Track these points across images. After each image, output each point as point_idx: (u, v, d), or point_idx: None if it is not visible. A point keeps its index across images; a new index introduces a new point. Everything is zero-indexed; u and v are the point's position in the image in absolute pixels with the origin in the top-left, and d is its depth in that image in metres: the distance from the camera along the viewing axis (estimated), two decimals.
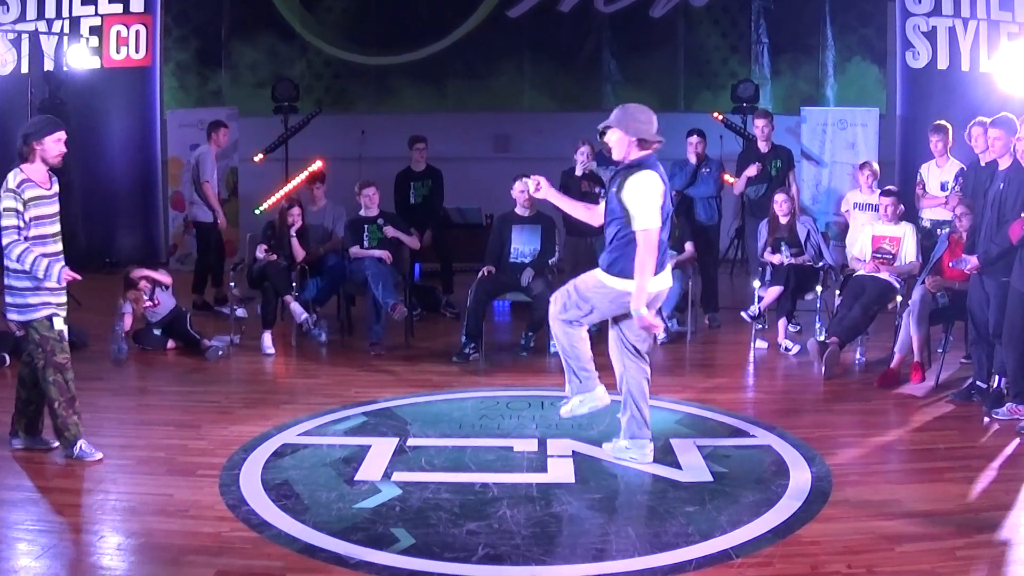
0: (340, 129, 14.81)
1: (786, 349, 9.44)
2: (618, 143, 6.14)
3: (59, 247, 6.34)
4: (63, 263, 6.29)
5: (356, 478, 6.01)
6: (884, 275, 8.93)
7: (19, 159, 6.19)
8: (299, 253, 9.90)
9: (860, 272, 9.09)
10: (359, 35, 15.98)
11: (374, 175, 10.67)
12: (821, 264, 9.51)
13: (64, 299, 6.41)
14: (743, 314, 9.62)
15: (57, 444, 6.51)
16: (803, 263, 9.46)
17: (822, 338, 8.79)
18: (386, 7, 15.94)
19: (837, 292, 9.38)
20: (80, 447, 6.33)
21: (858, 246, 9.34)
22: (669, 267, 6.25)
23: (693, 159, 10.57)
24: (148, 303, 9.45)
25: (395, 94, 16.10)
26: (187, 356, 9.40)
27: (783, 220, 9.66)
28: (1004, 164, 7.43)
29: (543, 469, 6.20)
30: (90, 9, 14.98)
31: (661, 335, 9.59)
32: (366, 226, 9.98)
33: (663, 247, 6.07)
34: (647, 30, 15.72)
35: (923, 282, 8.34)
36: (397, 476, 6.04)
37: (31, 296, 6.23)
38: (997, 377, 7.48)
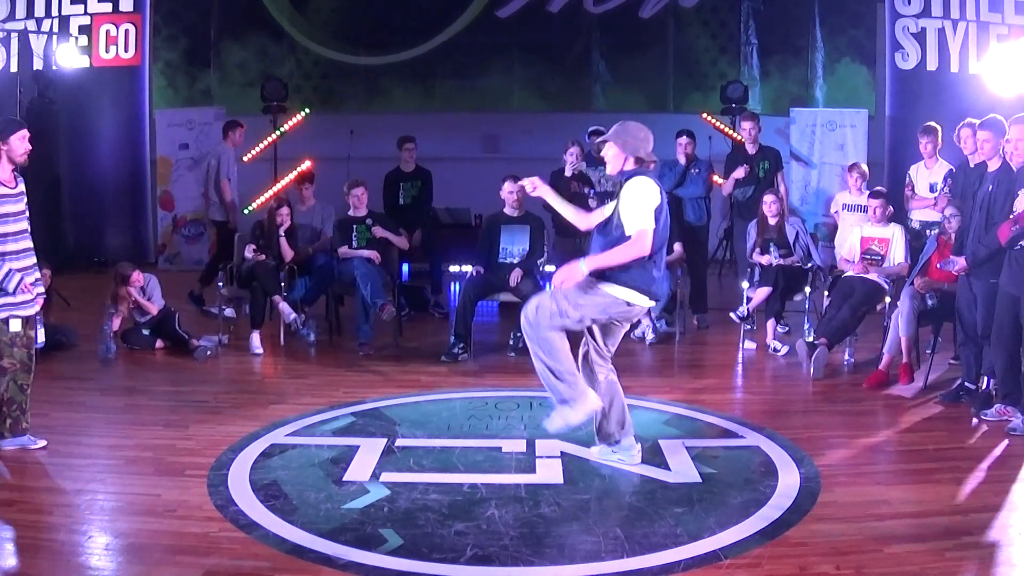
0: (329, 129, 14.78)
1: (775, 350, 9.44)
2: (614, 158, 6.10)
3: (23, 245, 6.35)
4: (35, 272, 6.31)
5: (344, 478, 6.00)
6: (873, 276, 8.95)
7: None
8: (288, 253, 9.88)
9: (849, 273, 9.10)
10: (348, 35, 15.97)
11: (363, 175, 10.65)
12: (810, 265, 9.52)
13: (29, 298, 6.36)
14: (732, 315, 9.63)
15: (45, 443, 6.53)
16: (792, 264, 9.47)
17: (811, 339, 8.80)
18: (375, 7, 15.95)
19: (826, 293, 9.39)
20: None
21: (847, 247, 9.36)
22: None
23: (682, 160, 10.57)
24: (148, 306, 9.43)
25: (384, 94, 16.09)
26: (175, 356, 9.38)
27: (772, 221, 9.67)
28: (993, 166, 7.43)
29: (531, 470, 6.19)
30: (79, 8, 15.01)
31: (650, 336, 9.60)
32: (355, 226, 9.97)
33: (658, 270, 6.00)
34: (636, 31, 15.73)
35: (912, 283, 8.36)
36: (385, 477, 6.02)
37: None
38: (986, 378, 7.49)
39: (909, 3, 14.04)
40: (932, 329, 8.63)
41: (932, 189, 9.61)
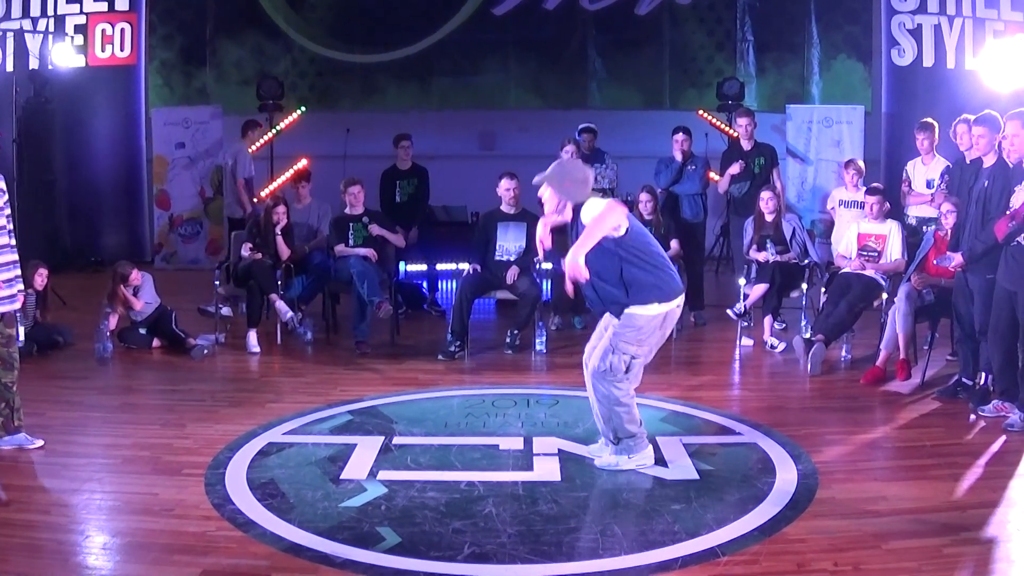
0: (325, 127, 14.77)
1: (772, 347, 9.44)
2: (549, 200, 6.12)
3: (3, 241, 6.35)
4: (14, 270, 6.41)
5: (342, 477, 6.00)
6: (870, 273, 8.95)
7: None
8: (284, 251, 9.86)
9: (846, 270, 9.10)
10: (344, 32, 15.93)
11: (359, 173, 10.64)
12: (807, 262, 9.51)
13: (8, 294, 6.39)
14: (729, 312, 9.62)
15: (42, 442, 6.56)
16: (789, 261, 9.47)
17: (808, 336, 8.80)
18: (371, 5, 15.92)
19: (823, 290, 9.38)
20: None
21: (844, 244, 9.35)
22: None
23: (679, 156, 10.56)
24: (134, 301, 9.42)
25: (380, 92, 16.07)
26: (172, 355, 9.37)
27: (769, 218, 9.66)
28: (988, 162, 7.44)
29: (529, 467, 6.19)
30: (75, 7, 15.01)
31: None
32: (351, 224, 9.96)
33: (670, 271, 6.03)
34: (632, 28, 15.71)
35: (909, 279, 8.36)
36: (383, 475, 6.02)
37: None
38: (983, 374, 7.48)
39: None
40: (929, 325, 8.64)
41: (929, 185, 9.60)
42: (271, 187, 13.64)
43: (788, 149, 14.33)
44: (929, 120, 9.88)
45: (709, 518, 5.33)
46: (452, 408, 7.54)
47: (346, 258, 9.72)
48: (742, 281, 9.73)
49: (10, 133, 13.61)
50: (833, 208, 10.50)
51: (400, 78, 16.00)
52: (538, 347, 9.35)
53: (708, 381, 8.58)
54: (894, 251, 9.04)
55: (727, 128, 14.15)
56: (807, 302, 9.53)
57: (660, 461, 6.20)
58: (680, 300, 6.09)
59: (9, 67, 14.45)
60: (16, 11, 14.81)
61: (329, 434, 6.89)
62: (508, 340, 9.47)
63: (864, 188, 9.69)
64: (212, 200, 15.05)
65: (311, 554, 4.89)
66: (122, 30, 15.18)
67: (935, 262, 8.16)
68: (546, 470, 6.12)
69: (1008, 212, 6.81)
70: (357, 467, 6.15)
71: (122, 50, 15.22)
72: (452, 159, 14.19)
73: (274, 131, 14.51)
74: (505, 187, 9.60)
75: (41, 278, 9.26)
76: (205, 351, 9.27)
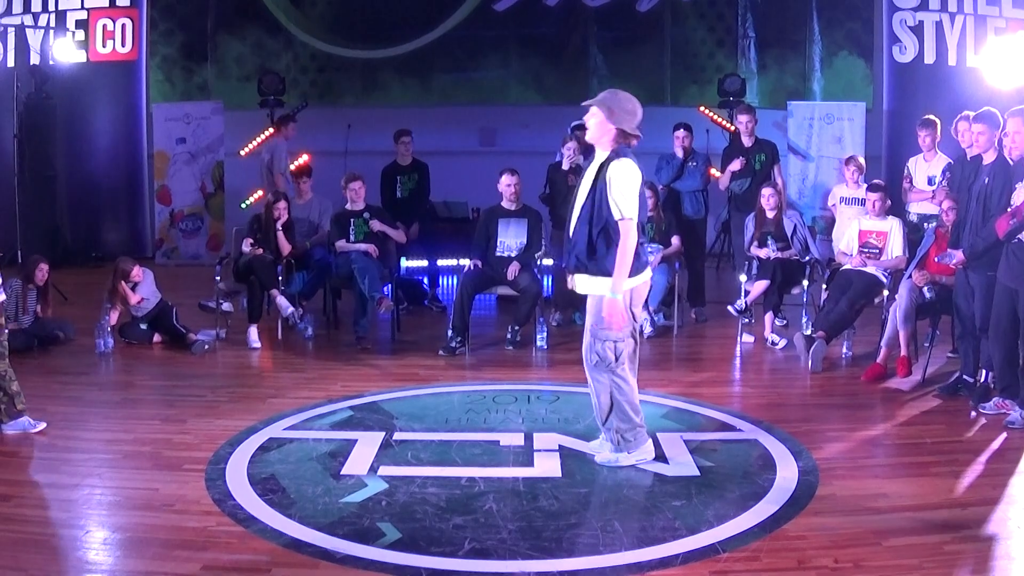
0: (326, 123, 14.77)
1: (772, 343, 9.44)
2: (597, 127, 5.97)
3: None
4: None
5: (342, 472, 5.99)
6: (871, 269, 8.95)
7: None
8: (285, 247, 9.86)
9: (847, 266, 9.10)
10: (345, 29, 15.95)
11: (360, 169, 10.65)
12: (808, 258, 9.51)
13: None
14: (730, 308, 9.62)
15: (44, 424, 6.73)
16: (790, 257, 9.47)
17: (809, 332, 8.80)
18: (372, 1, 15.91)
19: (824, 286, 9.38)
20: None
21: (845, 240, 9.34)
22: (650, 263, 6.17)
23: (680, 153, 10.55)
24: (132, 297, 9.43)
25: (381, 88, 16.08)
26: (173, 350, 9.37)
27: (770, 214, 9.66)
28: (988, 159, 7.43)
29: (529, 463, 6.18)
30: (76, 3, 15.01)
31: (648, 329, 9.59)
32: (352, 220, 9.95)
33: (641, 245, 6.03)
34: (633, 24, 15.72)
35: (910, 276, 8.35)
36: (383, 470, 6.02)
37: None
38: (984, 371, 7.48)
39: None
40: (930, 322, 8.63)
41: (931, 182, 9.59)
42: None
43: (789, 146, 14.32)
44: (931, 117, 9.86)
45: (710, 514, 5.33)
46: (453, 404, 7.54)
47: (347, 254, 9.72)
48: (743, 278, 9.73)
49: (11, 128, 13.62)
50: (834, 205, 10.49)
51: (401, 74, 16.02)
52: (539, 343, 9.35)
53: (709, 377, 8.57)
54: (895, 248, 9.03)
55: (727, 124, 14.14)
56: (808, 299, 9.53)
57: (661, 457, 6.19)
58: (644, 277, 6.09)
59: (10, 62, 14.46)
60: (17, 6, 14.81)
61: (330, 430, 6.88)
62: (509, 336, 9.47)
63: (865, 185, 9.68)
64: (213, 195, 15.06)
65: (312, 550, 4.89)
66: (123, 26, 15.18)
67: (936, 259, 8.15)
68: (547, 466, 6.12)
69: (1010, 209, 6.80)
70: (358, 463, 6.15)
71: (123, 45, 15.22)
72: (453, 155, 14.19)
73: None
74: (506, 183, 9.59)
75: (42, 273, 9.26)
76: (206, 347, 9.28)
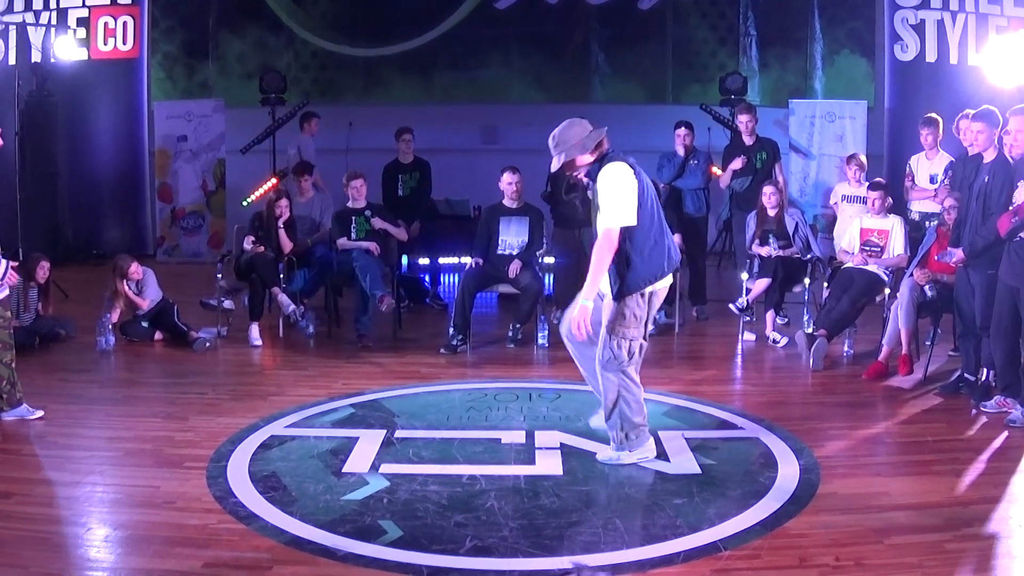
0: (328, 120, 14.73)
1: (774, 341, 9.44)
2: (564, 167, 6.07)
3: None
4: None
5: (344, 470, 5.99)
6: (872, 268, 8.95)
7: None
8: (287, 245, 9.86)
9: (848, 264, 9.10)
10: (346, 26, 15.96)
11: (362, 166, 10.64)
12: (809, 256, 9.51)
13: None
14: (731, 306, 9.62)
15: (41, 412, 6.93)
16: (791, 255, 9.47)
17: (810, 330, 8.80)
18: None
19: (825, 284, 9.39)
20: None
21: (846, 238, 9.34)
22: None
23: (681, 151, 10.55)
24: (131, 295, 9.43)
25: (383, 86, 16.09)
26: (174, 348, 9.38)
27: (771, 212, 9.66)
28: (989, 157, 7.43)
29: (531, 461, 6.18)
30: (77, 1, 14.95)
31: (649, 327, 9.58)
32: (354, 217, 9.95)
33: (662, 247, 5.99)
34: (635, 22, 15.73)
35: (911, 275, 8.35)
36: (385, 468, 6.02)
37: None
38: (985, 370, 7.48)
39: None
40: (931, 320, 8.62)
41: (932, 180, 9.60)
42: (272, 180, 13.65)
43: (791, 144, 14.31)
44: (933, 115, 9.86)
45: (711, 512, 5.33)
46: (454, 402, 7.54)
47: (348, 251, 9.72)
48: (744, 276, 9.73)
49: (12, 126, 13.61)
50: (836, 203, 10.49)
51: (403, 72, 16.04)
52: (540, 341, 9.35)
53: (710, 376, 8.58)
54: (896, 246, 9.03)
55: (729, 123, 14.14)
56: (809, 297, 9.53)
57: (662, 455, 6.19)
58: (668, 280, 6.08)
59: (12, 60, 14.45)
60: (18, 4, 14.79)
61: (331, 427, 6.89)
62: (510, 334, 9.47)
63: (867, 183, 9.68)
64: (214, 193, 15.06)
65: (313, 547, 4.89)
66: (124, 23, 15.17)
67: (937, 258, 8.15)
68: (548, 464, 6.12)
69: (1011, 208, 6.79)
70: (359, 460, 6.15)
71: (124, 43, 15.21)
72: (455, 153, 14.19)
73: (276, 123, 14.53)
74: (507, 181, 9.60)
75: (43, 271, 9.27)
76: (207, 344, 9.28)
